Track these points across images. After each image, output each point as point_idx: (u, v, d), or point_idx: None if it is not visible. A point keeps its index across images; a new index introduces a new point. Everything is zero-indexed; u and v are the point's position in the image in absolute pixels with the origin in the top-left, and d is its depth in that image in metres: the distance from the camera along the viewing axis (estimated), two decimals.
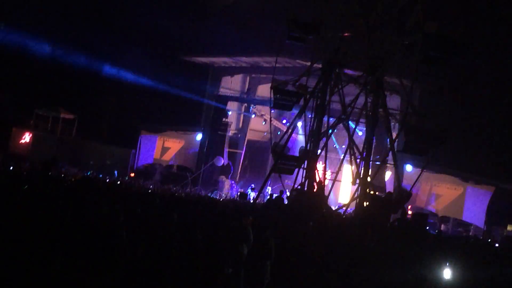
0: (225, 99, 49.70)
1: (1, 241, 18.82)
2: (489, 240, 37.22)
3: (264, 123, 49.45)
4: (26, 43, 51.86)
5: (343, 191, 43.18)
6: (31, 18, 51.95)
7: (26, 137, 49.86)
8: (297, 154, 36.38)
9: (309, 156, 34.04)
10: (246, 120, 52.16)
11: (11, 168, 32.94)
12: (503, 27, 44.84)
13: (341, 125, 35.24)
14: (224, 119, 49.37)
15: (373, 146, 34.60)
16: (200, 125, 50.75)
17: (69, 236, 18.69)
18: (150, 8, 54.86)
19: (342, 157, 35.82)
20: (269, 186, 39.93)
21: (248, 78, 52.51)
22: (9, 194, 20.26)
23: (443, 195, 43.97)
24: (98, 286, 17.82)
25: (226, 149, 49.90)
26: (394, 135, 34.04)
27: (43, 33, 51.44)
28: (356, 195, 33.36)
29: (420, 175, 33.37)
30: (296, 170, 34.87)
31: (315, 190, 33.01)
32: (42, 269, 18.14)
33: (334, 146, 44.76)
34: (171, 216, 18.87)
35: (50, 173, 25.78)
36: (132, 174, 46.63)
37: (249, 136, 51.90)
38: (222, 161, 47.77)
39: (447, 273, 20.42)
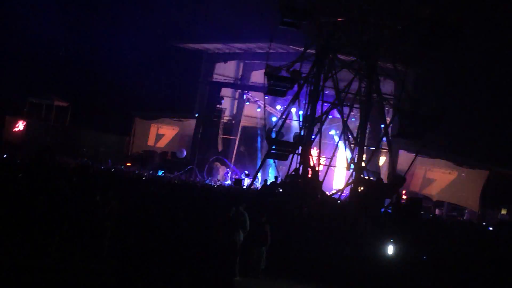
0: (219, 85, 49.60)
1: None
2: (483, 224, 37.36)
3: (258, 109, 49.38)
4: (19, 31, 51.76)
5: (337, 176, 43.21)
6: (24, 5, 51.84)
7: (20, 125, 49.69)
8: (291, 140, 36.37)
9: (303, 142, 34.05)
10: (240, 106, 52.04)
11: (5, 156, 32.91)
12: (496, 10, 44.82)
13: (335, 110, 35.25)
14: (218, 106, 49.26)
15: (367, 131, 34.65)
16: (194, 112, 50.66)
17: (62, 222, 18.72)
18: None
19: (336, 143, 35.83)
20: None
21: (241, 64, 52.36)
22: (3, 182, 20.26)
23: (438, 179, 44.05)
24: (91, 271, 17.89)
25: (221, 136, 49.81)
26: (388, 120, 34.10)
27: (36, 21, 51.33)
28: (350, 180, 33.43)
29: (414, 159, 33.39)
30: (291, 156, 34.89)
31: (309, 175, 33.06)
32: (37, 255, 18.20)
33: (329, 132, 44.73)
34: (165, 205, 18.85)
35: (44, 161, 25.78)
36: (129, 164, 46.55)
37: (244, 122, 51.80)
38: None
39: (390, 249, 20.63)
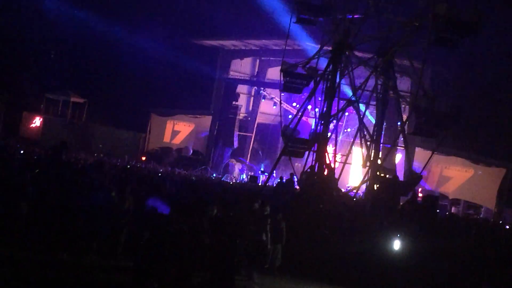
0: (235, 82, 49.60)
1: (13, 224, 18.95)
2: (500, 222, 37.18)
3: (274, 106, 49.38)
4: (36, 27, 51.98)
5: (353, 174, 43.12)
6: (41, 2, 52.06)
7: (37, 121, 50.02)
8: (307, 137, 36.30)
9: (319, 139, 33.97)
10: (256, 103, 52.07)
11: (22, 152, 33.06)
12: None
13: (351, 107, 35.12)
14: (234, 102, 49.27)
15: (383, 129, 34.52)
16: (210, 109, 50.76)
17: (78, 219, 18.76)
18: None
19: (352, 140, 35.71)
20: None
21: (257, 61, 52.40)
22: (20, 178, 20.33)
23: (454, 177, 43.89)
24: (105, 269, 17.93)
25: (236, 132, 49.85)
26: (404, 117, 33.94)
27: (52, 16, 51.52)
28: (366, 178, 33.33)
29: (430, 157, 33.24)
30: (306, 153, 34.82)
31: (325, 173, 32.97)
32: (52, 251, 18.25)
33: (346, 130, 44.65)
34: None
35: (61, 157, 25.81)
36: (144, 158, 46.71)
37: (259, 119, 51.83)
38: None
39: (396, 244, 20.50)
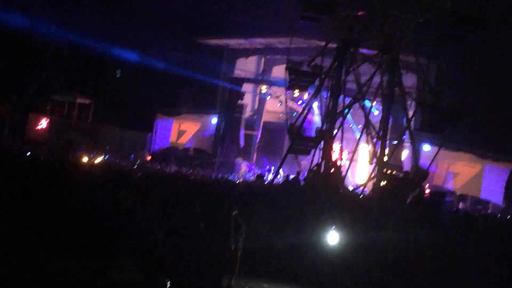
0: (240, 81, 49.58)
1: (20, 225, 18.99)
2: (508, 217, 37.03)
3: (279, 104, 49.30)
4: (41, 28, 52.01)
5: (359, 171, 43.06)
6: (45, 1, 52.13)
7: (43, 123, 50.08)
8: (313, 134, 36.27)
9: (325, 137, 33.94)
10: (262, 102, 52.02)
11: (28, 153, 33.08)
12: None
13: (357, 104, 35.09)
14: (239, 101, 49.22)
15: (390, 125, 34.48)
16: (216, 108, 50.75)
17: (85, 219, 18.76)
18: None
19: (358, 137, 35.67)
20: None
21: (263, 59, 52.32)
22: (26, 179, 20.39)
23: (461, 173, 43.76)
24: (115, 269, 17.92)
25: (242, 131, 49.81)
26: (410, 113, 33.90)
27: (57, 17, 51.59)
28: (373, 175, 33.29)
29: (437, 153, 33.18)
30: (313, 150, 34.79)
31: (331, 170, 32.94)
32: (58, 252, 18.24)
33: (351, 126, 44.53)
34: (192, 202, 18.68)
35: (66, 157, 25.88)
36: (149, 158, 46.71)
37: (265, 117, 51.78)
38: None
39: (333, 237, 19.63)
